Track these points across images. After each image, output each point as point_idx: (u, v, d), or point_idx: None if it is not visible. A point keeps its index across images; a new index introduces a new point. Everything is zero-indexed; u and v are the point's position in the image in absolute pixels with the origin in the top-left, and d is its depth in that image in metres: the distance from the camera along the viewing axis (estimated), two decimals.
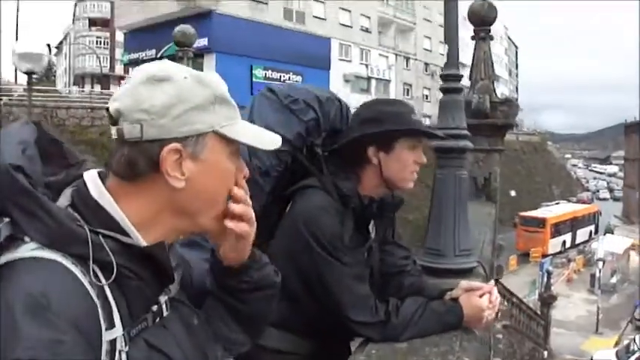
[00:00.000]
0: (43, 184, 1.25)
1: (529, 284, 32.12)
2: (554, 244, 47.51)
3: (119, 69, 71.53)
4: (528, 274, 34.91)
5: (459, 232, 3.55)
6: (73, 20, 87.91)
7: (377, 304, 2.45)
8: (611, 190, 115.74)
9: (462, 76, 3.71)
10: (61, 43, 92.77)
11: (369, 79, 54.12)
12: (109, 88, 58.44)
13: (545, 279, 29.57)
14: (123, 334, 1.17)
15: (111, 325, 1.15)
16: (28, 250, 1.12)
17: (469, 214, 5.46)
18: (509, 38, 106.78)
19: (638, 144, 70.78)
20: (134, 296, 1.22)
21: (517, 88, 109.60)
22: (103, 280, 1.15)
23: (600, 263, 37.13)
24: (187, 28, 12.48)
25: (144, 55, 43.37)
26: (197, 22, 27.99)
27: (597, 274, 37.46)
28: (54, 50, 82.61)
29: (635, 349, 27.00)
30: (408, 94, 58.37)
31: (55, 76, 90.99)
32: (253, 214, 1.41)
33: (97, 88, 60.46)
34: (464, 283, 2.58)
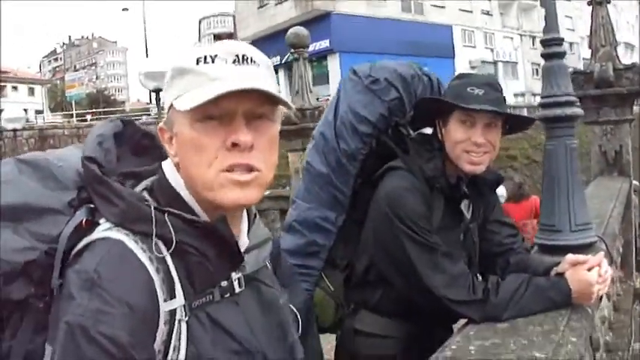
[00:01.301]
0: (122, 172, 1.39)
1: None
2: None
3: None
4: None
5: (574, 205, 3.33)
6: (199, 37, 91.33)
7: (474, 281, 2.32)
8: None
9: (563, 39, 3.49)
10: None
11: (495, 62, 52.77)
12: None
13: None
14: (183, 305, 1.25)
15: (171, 297, 1.24)
16: (100, 231, 1.26)
17: (598, 190, 5.19)
18: None
19: None
20: (197, 271, 1.29)
21: None
22: (165, 252, 1.25)
23: None
24: (300, 29, 12.58)
25: None
26: (317, 24, 28.50)
27: None
28: None
29: None
30: (537, 74, 56.47)
31: None
32: None
33: None
34: (570, 256, 2.37)
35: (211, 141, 1.27)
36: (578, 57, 51.07)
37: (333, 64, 39.14)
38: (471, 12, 51.96)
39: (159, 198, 1.33)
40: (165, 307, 1.22)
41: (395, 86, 2.61)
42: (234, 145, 1.26)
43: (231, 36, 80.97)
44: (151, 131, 1.54)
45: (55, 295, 1.25)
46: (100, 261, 1.19)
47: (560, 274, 2.34)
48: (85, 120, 35.81)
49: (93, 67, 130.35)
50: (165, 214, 1.26)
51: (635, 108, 8.12)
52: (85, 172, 1.34)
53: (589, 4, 7.55)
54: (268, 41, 43.39)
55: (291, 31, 13.14)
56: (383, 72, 2.65)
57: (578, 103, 3.60)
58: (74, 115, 37.30)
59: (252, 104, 1.28)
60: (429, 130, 2.63)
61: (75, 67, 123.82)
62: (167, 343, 1.22)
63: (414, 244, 2.34)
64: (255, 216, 1.51)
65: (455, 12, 49.90)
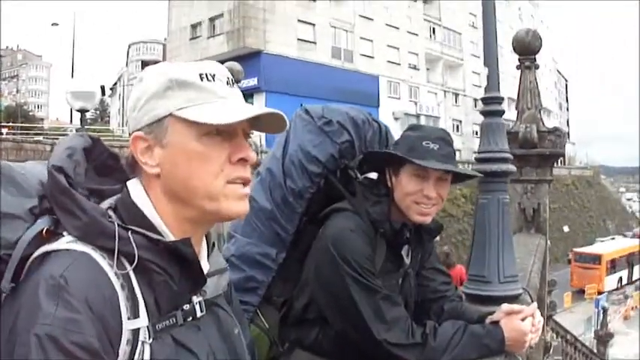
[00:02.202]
0: (88, 187, 1.36)
1: (584, 322, 31.23)
2: (610, 281, 46.17)
3: None
4: (584, 312, 33.94)
5: (503, 257, 3.46)
6: (127, 63, 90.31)
7: (413, 326, 2.37)
8: None
9: (502, 98, 3.65)
10: (115, 84, 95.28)
11: (418, 116, 53.78)
12: None
13: (602, 316, 28.77)
14: (147, 326, 1.23)
15: (135, 316, 1.22)
16: (64, 243, 1.23)
17: (517, 245, 5.36)
18: (558, 71, 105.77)
19: None
20: (161, 291, 1.27)
21: (568, 122, 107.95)
22: (129, 268, 1.23)
23: None
24: (234, 64, 12.63)
25: None
26: (246, 62, 28.43)
27: None
28: (108, 92, 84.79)
29: None
30: (457, 130, 58.04)
31: (109, 117, 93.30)
32: None
33: None
34: (505, 306, 2.47)
35: (218, 155, 1.31)
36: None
37: (259, 103, 39.08)
38: (399, 64, 53.25)
39: (122, 216, 1.32)
40: (128, 325, 1.20)
41: (347, 129, 2.65)
42: (240, 160, 1.34)
43: None
44: (117, 153, 1.52)
45: (2, 300, 1.21)
46: (68, 268, 1.17)
47: (495, 323, 2.43)
48: (1, 133, 34.26)
49: (14, 80, 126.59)
50: (129, 232, 1.26)
51: None
52: (50, 181, 1.31)
53: (518, 68, 7.85)
54: None
55: (225, 65, 13.26)
56: (335, 114, 2.69)
57: (512, 160, 3.75)
58: None
59: (248, 125, 1.37)
60: (373, 175, 2.67)
61: None
62: None
63: (357, 285, 2.35)
64: (214, 245, 1.53)
65: (383, 63, 51.06)
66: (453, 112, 59.40)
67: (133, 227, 1.27)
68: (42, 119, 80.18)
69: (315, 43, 45.23)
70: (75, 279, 1.15)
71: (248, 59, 36.48)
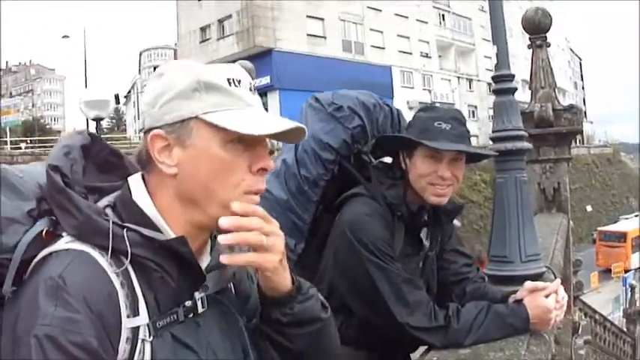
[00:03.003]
0: (87, 185, 1.37)
1: (612, 301, 30.99)
2: (636, 259, 45.81)
3: None
4: (611, 291, 33.61)
5: (524, 236, 3.43)
6: (139, 70, 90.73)
7: (435, 309, 2.36)
8: None
9: (514, 75, 3.62)
10: (129, 92, 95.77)
11: (432, 104, 53.57)
12: None
13: (630, 294, 28.54)
14: (147, 324, 1.23)
15: (135, 314, 1.22)
16: (63, 243, 1.24)
17: (539, 225, 5.32)
18: (571, 50, 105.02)
19: None
20: (161, 288, 1.27)
21: (584, 101, 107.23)
22: (127, 264, 1.23)
23: None
24: (246, 63, 12.53)
25: None
26: (258, 61, 28.48)
27: None
28: (122, 100, 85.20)
29: None
30: (473, 116, 57.77)
31: (125, 125, 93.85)
32: (270, 233, 1.32)
33: None
34: (528, 283, 2.45)
35: (240, 164, 1.30)
36: None
37: (273, 101, 39.26)
38: (410, 54, 53.08)
39: (122, 214, 1.31)
40: (127, 323, 1.20)
41: (358, 114, 2.65)
42: (261, 170, 1.33)
43: None
44: (118, 150, 1.52)
45: (4, 304, 1.21)
46: (66, 268, 1.17)
47: (519, 301, 2.40)
48: (20, 148, 34.71)
49: (29, 94, 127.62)
50: (124, 230, 1.25)
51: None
52: (48, 181, 1.30)
53: (529, 47, 7.79)
54: None
55: (237, 63, 13.27)
56: (345, 100, 2.69)
57: (528, 138, 3.71)
58: (8, 143, 36.17)
59: (269, 135, 1.34)
60: (388, 159, 2.66)
61: (11, 93, 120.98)
62: None
63: (377, 269, 2.35)
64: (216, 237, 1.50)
65: (394, 53, 50.90)
66: (467, 98, 59.08)
67: (129, 225, 1.27)
68: (59, 131, 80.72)
69: (325, 37, 45.18)
70: (73, 278, 1.16)
71: (259, 58, 36.54)
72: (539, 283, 2.44)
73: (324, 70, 41.46)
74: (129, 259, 1.23)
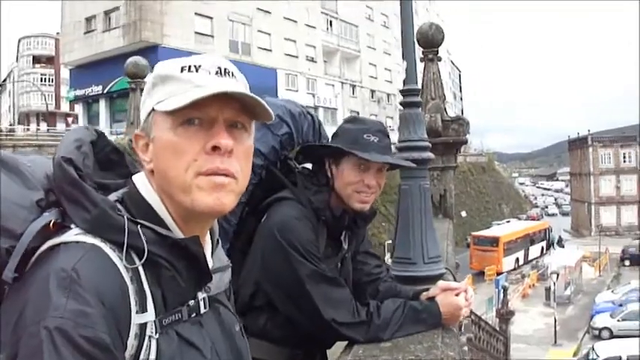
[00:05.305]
0: (95, 180, 1.35)
1: (486, 302, 32.32)
2: (507, 262, 48.12)
3: (65, 106, 69.88)
4: (484, 293, 35.05)
5: (426, 239, 3.65)
6: (17, 57, 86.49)
7: (357, 305, 2.53)
8: (559, 206, 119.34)
9: (420, 90, 3.85)
10: (4, 80, 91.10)
11: (316, 107, 54.16)
12: (55, 126, 57.81)
13: (502, 295, 29.85)
14: (154, 321, 1.23)
15: (143, 310, 1.22)
16: (72, 235, 1.23)
17: None
18: (452, 62, 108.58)
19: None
20: (169, 286, 1.28)
21: (462, 111, 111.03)
22: (137, 262, 1.23)
23: (554, 276, 37.71)
24: (139, 59, 12.47)
25: (90, 91, 43.33)
26: (143, 56, 27.69)
27: (552, 287, 38.07)
28: None
29: (595, 357, 27.47)
30: None
31: None
32: None
33: (43, 125, 59.07)
34: (441, 282, 2.72)
35: (192, 144, 1.28)
36: (394, 107, 53.86)
37: None
38: (297, 57, 53.59)
39: (131, 210, 1.31)
40: (136, 319, 1.20)
41: (286, 122, 2.79)
42: (215, 148, 1.28)
43: (52, 59, 77.45)
44: (120, 147, 1.52)
45: (6, 290, 1.20)
46: (79, 261, 1.15)
47: (431, 299, 2.64)
48: None
49: None
50: (138, 226, 1.25)
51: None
52: (60, 173, 1.29)
53: (422, 60, 8.14)
54: (92, 69, 42.18)
55: (130, 60, 12.93)
56: (275, 108, 2.77)
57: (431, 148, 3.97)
58: None
59: (233, 112, 1.32)
60: (309, 165, 2.82)
61: None
62: (135, 358, 1.20)
63: (304, 269, 2.49)
64: (218, 242, 1.54)
65: (281, 56, 51.29)
66: (350, 104, 60.15)
67: (143, 222, 1.27)
68: None
69: (212, 36, 44.90)
70: (86, 272, 1.14)
71: (145, 53, 35.61)
72: (452, 283, 2.70)
73: None
74: (145, 256, 1.23)
